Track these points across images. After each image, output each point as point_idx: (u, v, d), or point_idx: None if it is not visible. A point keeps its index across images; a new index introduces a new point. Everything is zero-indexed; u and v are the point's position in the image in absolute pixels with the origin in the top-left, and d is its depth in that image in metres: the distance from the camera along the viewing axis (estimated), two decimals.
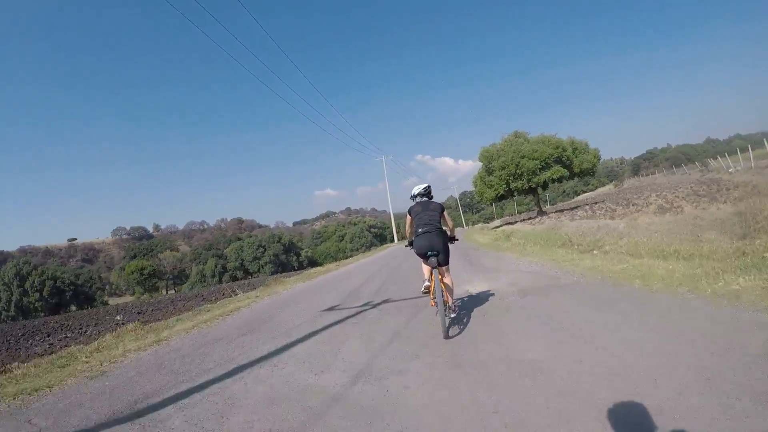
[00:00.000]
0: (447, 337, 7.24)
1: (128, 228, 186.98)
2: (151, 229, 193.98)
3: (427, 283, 7.76)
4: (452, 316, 8.06)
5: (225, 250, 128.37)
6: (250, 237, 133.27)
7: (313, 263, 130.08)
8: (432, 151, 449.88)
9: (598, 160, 50.05)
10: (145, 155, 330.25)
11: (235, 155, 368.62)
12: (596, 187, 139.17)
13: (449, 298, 7.91)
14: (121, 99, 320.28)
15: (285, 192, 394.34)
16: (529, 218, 51.97)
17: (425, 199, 8.62)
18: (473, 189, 56.09)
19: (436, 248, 7.84)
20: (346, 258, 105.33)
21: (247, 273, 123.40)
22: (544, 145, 47.56)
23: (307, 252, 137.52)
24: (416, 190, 8.73)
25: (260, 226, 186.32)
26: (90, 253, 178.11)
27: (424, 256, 7.91)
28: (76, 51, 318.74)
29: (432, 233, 7.97)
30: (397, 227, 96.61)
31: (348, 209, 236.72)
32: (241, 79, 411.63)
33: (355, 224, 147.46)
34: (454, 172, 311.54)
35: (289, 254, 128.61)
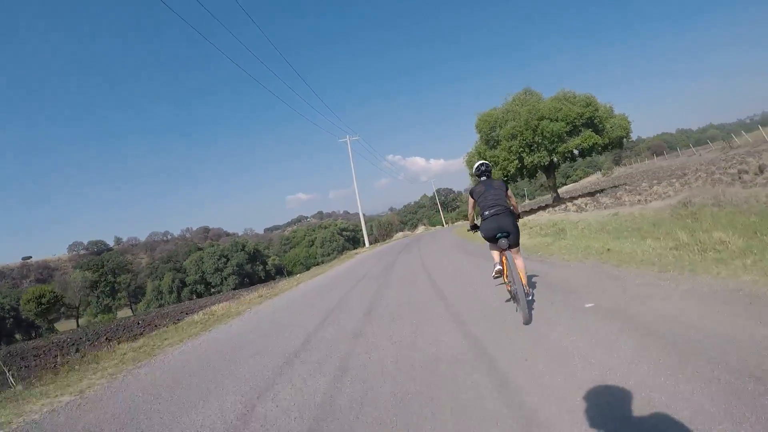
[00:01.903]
0: (528, 321, 6.14)
1: (86, 243, 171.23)
2: (111, 243, 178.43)
3: (498, 267, 7.10)
4: (528, 298, 6.86)
5: (184, 263, 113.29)
6: (212, 246, 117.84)
7: (281, 272, 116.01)
8: (403, 151, 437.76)
9: (630, 127, 37.05)
10: (104, 165, 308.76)
11: (204, 162, 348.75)
12: (580, 177, 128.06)
13: (524, 279, 6.62)
14: (75, 104, 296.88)
15: (256, 198, 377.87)
16: (547, 206, 38.75)
17: (485, 177, 7.56)
18: (469, 171, 41.06)
19: (506, 229, 6.91)
20: (318, 264, 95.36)
21: (209, 286, 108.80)
22: (570, 103, 34.77)
23: (274, 260, 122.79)
24: (475, 166, 7.68)
25: (228, 235, 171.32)
26: (45, 272, 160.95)
27: (494, 239, 7.00)
28: (19, 55, 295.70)
29: (501, 214, 6.95)
30: (370, 228, 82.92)
31: (320, 213, 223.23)
32: (210, 76, 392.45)
33: (325, 227, 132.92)
34: (425, 171, 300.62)
35: (254, 263, 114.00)
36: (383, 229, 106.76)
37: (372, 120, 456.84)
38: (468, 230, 8.41)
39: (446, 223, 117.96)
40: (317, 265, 78.06)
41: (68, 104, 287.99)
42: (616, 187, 39.65)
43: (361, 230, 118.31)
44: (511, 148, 34.73)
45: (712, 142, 71.81)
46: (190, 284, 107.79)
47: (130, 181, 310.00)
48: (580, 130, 34.68)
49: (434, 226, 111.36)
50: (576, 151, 36.18)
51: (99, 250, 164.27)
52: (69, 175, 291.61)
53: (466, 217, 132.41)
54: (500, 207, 6.98)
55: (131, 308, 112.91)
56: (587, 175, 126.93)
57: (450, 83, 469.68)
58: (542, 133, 33.61)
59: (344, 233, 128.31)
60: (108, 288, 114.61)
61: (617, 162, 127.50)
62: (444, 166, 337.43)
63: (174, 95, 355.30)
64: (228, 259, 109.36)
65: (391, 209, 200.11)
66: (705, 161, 40.87)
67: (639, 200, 21.67)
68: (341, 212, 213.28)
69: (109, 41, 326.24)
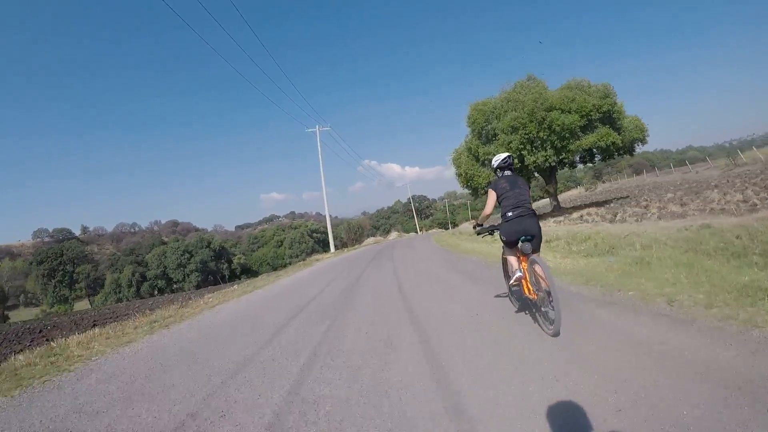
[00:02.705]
0: (556, 333, 5.47)
1: (51, 230, 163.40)
2: (78, 231, 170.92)
3: (519, 274, 6.27)
4: (553, 305, 5.52)
5: (146, 256, 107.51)
6: (177, 241, 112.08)
7: (246, 271, 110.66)
8: (379, 157, 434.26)
9: (647, 130, 32.40)
10: (76, 154, 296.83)
11: (178, 155, 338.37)
12: (560, 191, 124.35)
13: (549, 285, 5.53)
14: (45, 89, 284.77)
15: (229, 195, 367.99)
16: (545, 215, 33.77)
17: (508, 172, 6.73)
18: (456, 170, 35.62)
19: (531, 232, 6.17)
20: (285, 265, 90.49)
21: (170, 282, 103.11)
22: (584, 92, 29.88)
23: (240, 258, 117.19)
24: (497, 160, 6.83)
25: (197, 230, 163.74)
26: (6, 258, 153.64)
27: (514, 243, 6.31)
28: None
29: (526, 216, 6.18)
30: (338, 231, 78.70)
31: (292, 213, 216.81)
32: (187, 66, 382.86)
33: (295, 228, 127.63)
34: (401, 178, 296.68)
35: (219, 261, 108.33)
36: (352, 233, 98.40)
37: (350, 124, 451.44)
38: (477, 231, 7.36)
39: (420, 230, 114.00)
40: (284, 266, 72.93)
41: (43, 92, 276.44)
42: (623, 198, 35.29)
43: (344, 233, 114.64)
44: (510, 144, 29.40)
45: (712, 160, 68.21)
46: (150, 279, 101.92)
47: (102, 171, 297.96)
48: (596, 126, 29.75)
49: (408, 232, 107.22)
50: (593, 150, 31.32)
51: (64, 238, 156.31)
52: (40, 161, 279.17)
53: (440, 225, 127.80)
54: (525, 208, 6.24)
55: (89, 300, 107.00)
56: (567, 189, 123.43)
57: (429, 92, 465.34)
58: (550, 127, 28.49)
59: (314, 235, 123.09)
60: (66, 278, 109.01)
61: (598, 177, 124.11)
62: (419, 173, 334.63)
63: (153, 87, 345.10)
64: (192, 255, 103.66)
65: (364, 213, 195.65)
66: (712, 177, 36.97)
67: (686, 211, 17.34)
68: (314, 213, 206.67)
69: (74, 30, 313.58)
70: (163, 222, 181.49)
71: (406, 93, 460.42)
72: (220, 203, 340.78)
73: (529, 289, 6.20)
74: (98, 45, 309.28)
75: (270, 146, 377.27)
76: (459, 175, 34.57)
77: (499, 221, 6.58)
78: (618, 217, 20.87)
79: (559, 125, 28.16)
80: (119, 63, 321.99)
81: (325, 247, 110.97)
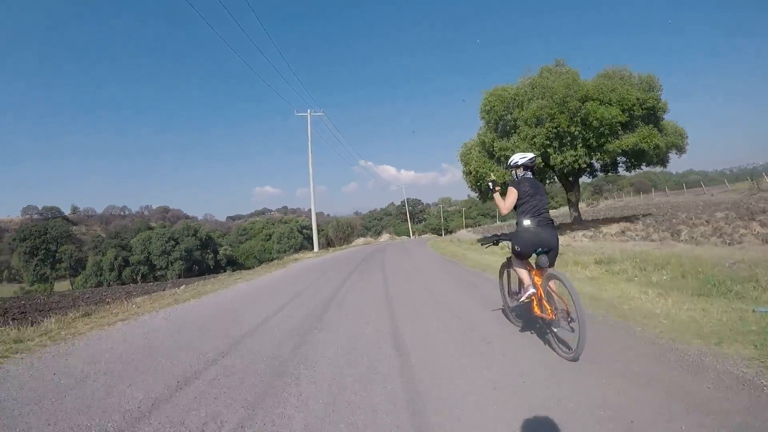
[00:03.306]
0: (576, 358, 4.78)
1: (40, 207, 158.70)
2: (67, 211, 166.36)
3: (532, 290, 5.58)
4: (572, 326, 4.93)
5: (131, 241, 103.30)
6: (163, 227, 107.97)
7: (232, 263, 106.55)
8: (374, 158, 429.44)
9: (687, 137, 28.56)
10: (71, 133, 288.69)
11: (174, 141, 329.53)
12: (557, 205, 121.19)
13: (567, 304, 5.07)
14: (44, 67, 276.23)
15: (223, 185, 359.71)
16: (563, 228, 29.74)
17: (530, 174, 6.03)
18: (465, 167, 31.41)
19: (550, 245, 5.60)
20: (272, 259, 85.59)
21: (153, 268, 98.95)
22: (625, 83, 25.50)
23: (226, 249, 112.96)
24: (520, 158, 6.04)
25: (187, 217, 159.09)
26: None
27: (528, 255, 5.74)
28: None
29: (546, 226, 5.61)
30: (324, 229, 74.94)
31: (285, 208, 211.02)
32: (187, 53, 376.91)
33: (285, 223, 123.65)
34: (396, 180, 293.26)
35: (205, 251, 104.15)
36: (341, 232, 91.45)
37: (349, 124, 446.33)
38: (483, 242, 7.24)
39: (413, 233, 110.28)
40: (271, 261, 68.61)
41: (40, 72, 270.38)
42: (648, 215, 31.71)
43: (323, 230, 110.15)
44: (534, 139, 25.18)
45: (731, 184, 64.71)
46: (133, 264, 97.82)
47: (96, 153, 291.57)
48: (637, 124, 25.45)
49: (400, 235, 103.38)
50: (629, 154, 26.92)
51: (53, 216, 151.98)
52: (34, 138, 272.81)
53: (433, 231, 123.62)
54: (545, 217, 5.65)
55: (70, 282, 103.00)
56: (560, 205, 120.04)
57: (428, 96, 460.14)
58: (584, 121, 24.36)
59: (304, 231, 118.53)
60: (49, 257, 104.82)
61: (598, 193, 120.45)
62: (414, 178, 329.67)
63: (154, 72, 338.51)
64: (177, 243, 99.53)
65: (357, 213, 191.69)
66: (737, 200, 33.33)
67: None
68: (306, 210, 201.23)
69: (69, 11, 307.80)
70: (153, 207, 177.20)
71: (405, 96, 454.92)
72: (212, 193, 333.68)
73: (545, 308, 5.45)
74: (95, 26, 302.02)
75: (267, 139, 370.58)
76: (468, 173, 30.69)
77: (502, 230, 4.94)
78: (684, 236, 17.00)
79: (596, 119, 23.91)
80: (121, 46, 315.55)
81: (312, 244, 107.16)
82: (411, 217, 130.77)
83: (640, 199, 77.92)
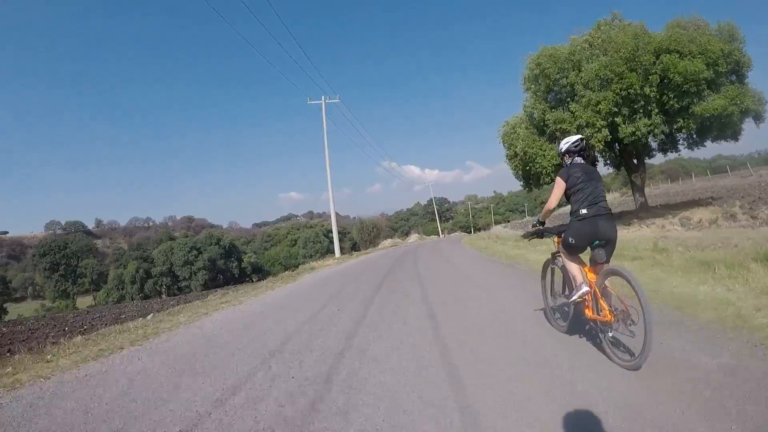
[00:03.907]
0: (638, 366, 4.11)
1: (63, 222, 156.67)
2: (91, 225, 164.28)
3: (585, 289, 4.88)
4: (632, 329, 4.27)
5: (153, 252, 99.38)
6: (186, 237, 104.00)
7: (258, 270, 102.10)
8: (398, 158, 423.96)
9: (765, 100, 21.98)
10: (94, 146, 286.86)
11: (199, 151, 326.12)
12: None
13: (626, 305, 4.37)
14: (67, 83, 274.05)
15: (248, 192, 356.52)
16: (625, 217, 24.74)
17: (580, 159, 5.29)
18: (507, 150, 26.19)
19: (608, 237, 4.91)
20: (297, 265, 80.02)
21: (176, 280, 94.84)
22: (704, 34, 19.87)
23: (251, 257, 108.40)
24: (564, 144, 5.38)
25: (212, 226, 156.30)
26: (17, 249, 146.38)
27: (582, 249, 5.10)
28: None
29: (604, 216, 4.89)
30: (348, 232, 69.51)
31: (310, 212, 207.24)
32: (209, 59, 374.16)
33: (311, 227, 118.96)
34: (420, 180, 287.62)
35: (228, 259, 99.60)
36: (366, 234, 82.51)
37: (370, 123, 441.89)
38: (531, 231, 6.11)
39: (442, 232, 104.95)
40: (295, 267, 63.28)
41: (60, 83, 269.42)
42: (714, 199, 27.07)
43: (348, 233, 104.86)
44: (599, 106, 19.80)
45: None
46: (155, 276, 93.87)
47: (120, 165, 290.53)
48: (722, 83, 19.87)
49: (428, 235, 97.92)
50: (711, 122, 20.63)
51: (76, 231, 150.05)
52: (58, 153, 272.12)
53: (462, 229, 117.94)
54: (603, 206, 4.92)
55: (93, 296, 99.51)
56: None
57: (450, 93, 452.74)
58: (663, 80, 19.13)
59: (330, 235, 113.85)
60: (69, 272, 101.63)
61: (624, 182, 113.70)
62: (438, 176, 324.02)
63: (172, 81, 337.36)
64: (200, 252, 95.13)
65: (382, 214, 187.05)
66: None
67: None
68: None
69: (97, 19, 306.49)
70: (178, 218, 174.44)
71: (428, 94, 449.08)
72: (238, 201, 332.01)
73: (601, 308, 4.69)
74: (113, 34, 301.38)
75: (290, 146, 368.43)
76: (512, 156, 25.13)
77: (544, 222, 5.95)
78: None
79: (678, 74, 18.37)
80: (136, 54, 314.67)
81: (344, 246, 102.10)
82: (438, 216, 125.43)
83: (679, 185, 71.45)
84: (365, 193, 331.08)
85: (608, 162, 27.22)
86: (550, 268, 6.25)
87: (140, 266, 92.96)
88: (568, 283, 5.43)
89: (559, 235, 5.55)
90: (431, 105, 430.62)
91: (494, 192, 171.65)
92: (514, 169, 25.64)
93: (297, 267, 46.89)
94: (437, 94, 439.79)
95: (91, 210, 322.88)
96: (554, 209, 5.70)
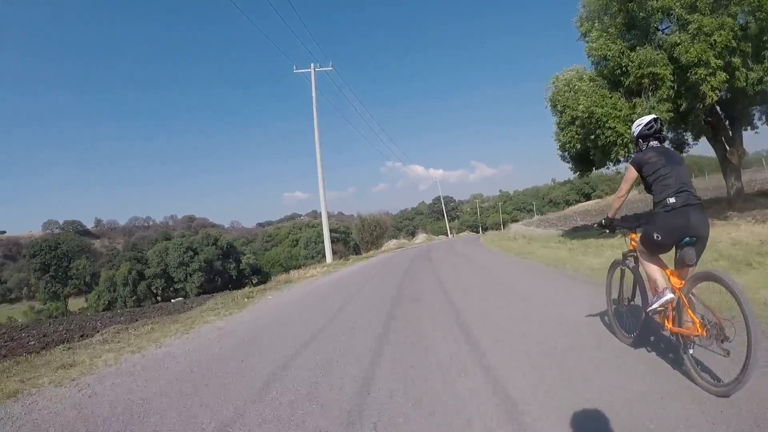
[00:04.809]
0: (726, 393, 3.36)
1: (61, 222, 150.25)
2: (91, 224, 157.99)
3: (670, 296, 4.04)
4: (725, 347, 3.53)
5: (147, 252, 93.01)
6: (183, 237, 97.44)
7: (257, 272, 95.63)
8: (403, 158, 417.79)
9: None
10: (94, 144, 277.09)
11: (201, 150, 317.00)
12: (602, 195, 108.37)
13: (720, 318, 3.61)
14: (66, 82, 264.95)
15: (253, 192, 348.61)
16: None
17: (655, 142, 4.50)
18: (559, 116, 18.98)
19: (699, 232, 3.99)
20: (300, 266, 71.76)
21: (171, 281, 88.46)
22: None
23: (249, 258, 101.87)
24: (639, 126, 4.58)
25: (213, 226, 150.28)
26: (14, 249, 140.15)
27: (668, 247, 4.19)
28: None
29: (694, 206, 4.01)
30: (344, 230, 62.71)
31: (314, 212, 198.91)
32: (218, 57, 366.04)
33: (313, 226, 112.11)
34: (425, 179, 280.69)
35: (226, 260, 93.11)
36: (368, 233, 69.88)
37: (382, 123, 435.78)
38: (601, 225, 5.05)
39: (450, 232, 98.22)
40: (298, 268, 55.68)
41: (59, 82, 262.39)
42: None
43: (349, 233, 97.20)
44: (714, 38, 13.34)
45: None
46: (149, 278, 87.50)
47: (120, 163, 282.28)
48: None
49: (437, 235, 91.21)
50: None
51: (74, 230, 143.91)
52: (57, 152, 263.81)
53: (471, 228, 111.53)
54: (692, 194, 4.04)
55: (86, 298, 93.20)
56: (613, 191, 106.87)
57: (455, 92, 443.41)
58: None
59: (333, 235, 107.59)
60: (60, 273, 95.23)
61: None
62: (443, 176, 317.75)
63: (175, 79, 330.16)
64: (196, 253, 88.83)
65: (387, 213, 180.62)
66: None
67: None
68: (335, 213, 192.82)
69: (101, 21, 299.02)
70: (179, 217, 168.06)
71: (432, 93, 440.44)
72: (242, 200, 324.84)
73: (690, 320, 3.83)
74: (111, 33, 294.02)
75: (294, 144, 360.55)
76: (566, 123, 18.51)
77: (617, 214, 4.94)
78: None
79: None
80: (138, 53, 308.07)
81: (344, 247, 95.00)
82: (441, 215, 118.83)
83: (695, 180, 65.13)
84: (370, 193, 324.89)
85: (686, 131, 20.52)
86: (619, 269, 5.21)
87: (133, 267, 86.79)
88: (641, 288, 4.66)
89: (633, 230, 4.85)
90: (435, 104, 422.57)
91: (500, 191, 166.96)
92: (569, 141, 18.64)
93: (300, 267, 39.96)
94: (441, 92, 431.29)
95: (93, 209, 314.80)
96: (625, 198, 4.67)
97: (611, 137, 16.46)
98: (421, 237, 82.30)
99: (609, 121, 16.32)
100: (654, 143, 4.44)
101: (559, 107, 18.43)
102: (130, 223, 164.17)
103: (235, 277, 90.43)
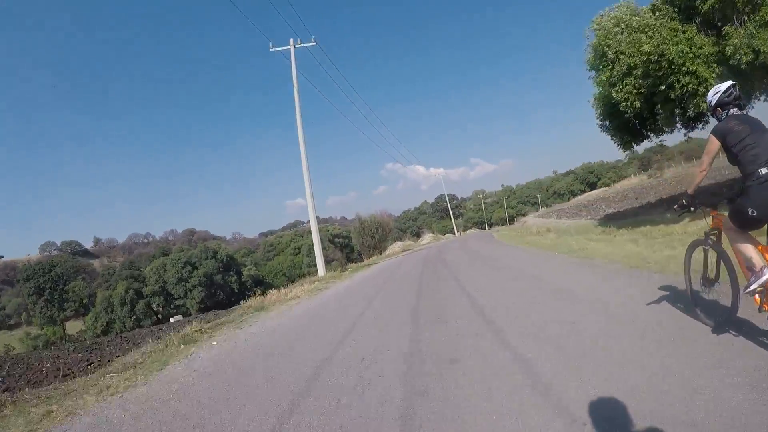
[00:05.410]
0: None
1: (59, 243, 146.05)
2: (89, 244, 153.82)
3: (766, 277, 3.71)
4: None
5: (145, 270, 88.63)
6: (181, 251, 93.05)
7: (259, 283, 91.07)
8: (402, 158, 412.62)
9: None
10: (87, 160, 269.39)
11: (200, 162, 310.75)
12: (609, 183, 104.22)
13: None
14: (56, 100, 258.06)
15: (255, 202, 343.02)
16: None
17: (735, 110, 4.15)
18: (608, 66, 14.32)
19: None
20: (304, 275, 65.07)
21: (170, 299, 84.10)
22: None
23: (251, 270, 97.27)
24: (717, 94, 4.24)
25: (215, 238, 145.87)
26: (11, 274, 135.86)
27: (761, 223, 3.96)
28: None
29: None
30: (349, 236, 57.96)
31: (316, 218, 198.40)
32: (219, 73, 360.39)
33: None
34: (426, 180, 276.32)
35: (227, 273, 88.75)
36: (369, 236, 60.58)
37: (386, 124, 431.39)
38: (682, 206, 4.72)
39: (457, 230, 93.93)
40: (303, 276, 50.43)
41: (49, 99, 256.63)
42: None
43: (354, 238, 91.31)
44: None
45: None
46: (147, 296, 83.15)
47: (118, 180, 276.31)
48: None
49: (443, 234, 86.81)
50: None
51: (73, 251, 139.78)
52: (53, 172, 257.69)
53: (478, 225, 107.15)
54: None
55: (83, 321, 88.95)
56: (620, 178, 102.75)
57: (453, 90, 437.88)
58: None
59: (336, 240, 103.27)
60: (55, 296, 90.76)
61: (644, 167, 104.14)
62: (444, 175, 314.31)
63: (175, 93, 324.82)
64: (195, 268, 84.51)
65: (389, 215, 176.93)
66: None
67: None
68: (338, 218, 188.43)
69: (81, 32, 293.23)
70: (179, 231, 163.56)
71: (431, 92, 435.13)
72: (243, 211, 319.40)
73: None
74: (105, 48, 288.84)
75: (296, 151, 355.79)
76: (622, 75, 14.03)
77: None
78: None
79: None
80: (133, 67, 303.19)
81: (348, 252, 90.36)
82: (445, 213, 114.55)
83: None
84: (371, 196, 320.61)
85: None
86: (702, 249, 4.72)
87: (130, 286, 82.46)
88: (729, 268, 4.18)
89: (714, 207, 4.67)
90: (433, 104, 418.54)
91: (502, 185, 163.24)
92: (626, 99, 14.09)
93: (303, 276, 35.40)
94: (440, 92, 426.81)
95: (92, 229, 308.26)
96: (706, 173, 4.30)
97: (691, 85, 12.09)
98: (427, 237, 77.90)
99: (686, 64, 11.96)
100: (734, 111, 4.11)
101: (610, 54, 13.93)
102: (130, 240, 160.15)
103: (237, 290, 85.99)
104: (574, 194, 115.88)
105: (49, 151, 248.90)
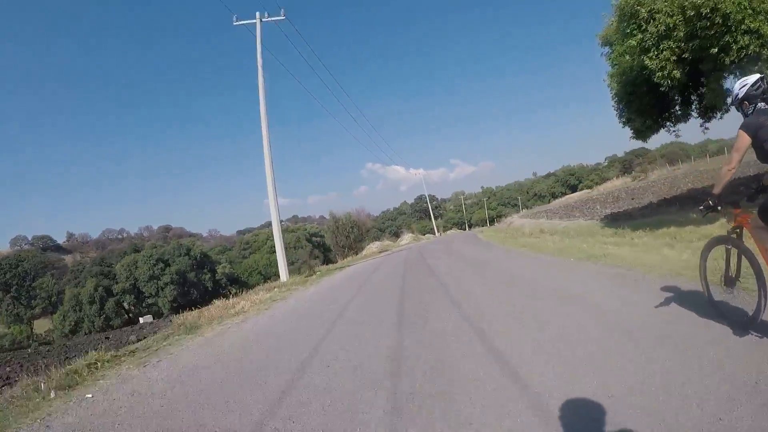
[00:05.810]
0: None
1: (30, 237, 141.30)
2: (62, 238, 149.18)
3: None
4: None
5: (115, 266, 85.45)
6: (154, 248, 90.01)
7: (234, 281, 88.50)
8: (383, 158, 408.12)
9: None
10: (63, 153, 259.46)
11: (177, 157, 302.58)
12: (591, 185, 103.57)
13: None
14: (28, 85, 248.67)
15: (232, 199, 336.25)
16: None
17: (764, 105, 4.00)
18: (634, 37, 11.74)
19: None
20: (278, 275, 61.68)
21: (141, 297, 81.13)
22: None
23: (225, 267, 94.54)
24: (744, 87, 4.08)
25: (191, 235, 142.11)
26: None
27: None
28: None
29: None
30: (319, 235, 56.18)
31: (295, 217, 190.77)
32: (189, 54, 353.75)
33: (292, 231, 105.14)
34: (406, 180, 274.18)
35: (201, 271, 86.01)
36: (343, 236, 57.13)
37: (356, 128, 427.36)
38: (708, 207, 4.39)
39: (437, 230, 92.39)
40: (278, 275, 48.26)
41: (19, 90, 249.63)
42: None
43: (328, 237, 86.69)
44: None
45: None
46: (117, 293, 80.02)
47: (93, 174, 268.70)
48: None
49: (424, 234, 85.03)
50: None
51: (45, 246, 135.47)
52: (28, 166, 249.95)
53: (458, 225, 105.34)
54: None
55: (52, 319, 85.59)
56: (603, 181, 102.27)
57: (434, 93, 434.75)
58: None
59: (314, 239, 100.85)
60: (22, 293, 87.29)
61: (626, 170, 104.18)
62: (424, 176, 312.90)
63: (163, 86, 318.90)
64: (167, 265, 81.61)
65: (368, 216, 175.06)
66: None
67: None
68: (317, 217, 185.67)
69: (55, 29, 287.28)
70: (155, 228, 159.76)
71: (410, 93, 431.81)
72: (221, 207, 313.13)
73: None
74: (85, 46, 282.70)
75: (276, 150, 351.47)
76: (659, 37, 11.71)
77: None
78: None
79: None
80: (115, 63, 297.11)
81: (325, 252, 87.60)
82: (424, 214, 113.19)
83: (690, 165, 62.63)
84: (352, 197, 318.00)
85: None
86: (723, 248, 4.54)
87: (100, 283, 79.23)
88: (755, 267, 3.96)
89: (736, 205, 4.43)
90: (413, 104, 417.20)
91: (482, 187, 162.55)
92: (663, 67, 11.65)
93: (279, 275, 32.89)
94: (420, 93, 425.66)
95: (65, 223, 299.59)
96: (735, 170, 3.98)
97: (753, 45, 10.14)
98: (406, 237, 76.00)
99: (746, 20, 9.99)
100: (762, 105, 3.99)
101: (643, 13, 11.59)
102: (103, 235, 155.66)
103: (211, 289, 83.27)
104: (555, 196, 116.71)
105: (25, 145, 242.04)
